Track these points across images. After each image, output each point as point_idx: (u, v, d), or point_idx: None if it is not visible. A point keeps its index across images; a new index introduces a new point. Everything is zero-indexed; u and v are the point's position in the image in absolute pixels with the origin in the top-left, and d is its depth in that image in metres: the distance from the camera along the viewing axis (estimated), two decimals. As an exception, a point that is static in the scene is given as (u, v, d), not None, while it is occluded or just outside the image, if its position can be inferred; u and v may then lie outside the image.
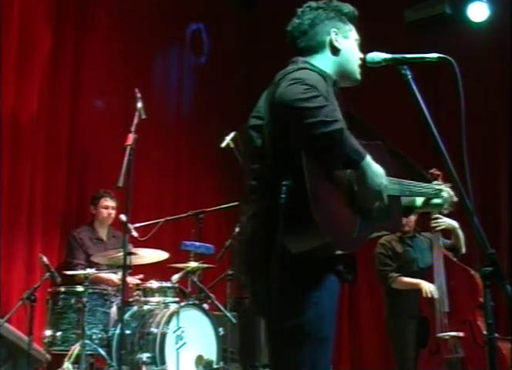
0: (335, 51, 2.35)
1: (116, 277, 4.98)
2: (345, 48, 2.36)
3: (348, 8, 2.41)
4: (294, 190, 2.00)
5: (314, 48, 2.35)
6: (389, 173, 2.23)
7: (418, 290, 4.43)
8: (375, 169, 2.10)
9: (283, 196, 2.00)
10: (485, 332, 3.82)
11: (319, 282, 2.13)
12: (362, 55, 2.36)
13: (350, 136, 2.04)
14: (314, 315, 2.12)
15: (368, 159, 2.07)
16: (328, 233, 2.03)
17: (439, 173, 4.49)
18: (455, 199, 2.54)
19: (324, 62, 2.34)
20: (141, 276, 5.18)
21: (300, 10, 2.40)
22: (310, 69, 2.21)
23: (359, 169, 2.07)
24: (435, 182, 2.50)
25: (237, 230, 4.73)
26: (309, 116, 1.98)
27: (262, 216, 2.13)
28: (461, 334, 4.21)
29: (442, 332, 4.23)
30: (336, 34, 2.35)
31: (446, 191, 2.54)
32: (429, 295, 4.33)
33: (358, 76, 2.39)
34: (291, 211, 2.00)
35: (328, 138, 1.99)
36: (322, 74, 2.24)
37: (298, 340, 2.12)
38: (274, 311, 2.16)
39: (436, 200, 2.53)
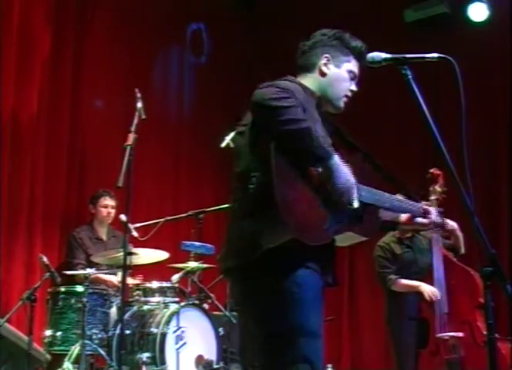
0: (323, 74, 2.48)
1: (115, 278, 4.98)
2: (332, 75, 2.48)
3: (356, 43, 2.51)
4: (263, 182, 2.13)
5: (307, 68, 2.50)
6: (366, 182, 2.35)
7: (418, 292, 4.43)
8: (343, 169, 2.21)
9: (251, 186, 2.15)
10: (485, 332, 3.82)
11: (295, 277, 2.19)
12: (353, 88, 2.50)
13: (318, 137, 2.16)
14: (299, 311, 2.18)
15: (336, 158, 2.19)
16: (289, 224, 2.11)
17: (439, 172, 4.49)
18: (440, 221, 2.61)
19: (311, 81, 2.49)
20: (140, 277, 5.18)
21: (313, 34, 2.55)
22: (291, 81, 2.37)
23: (327, 166, 2.19)
24: (423, 202, 2.57)
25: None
26: (279, 115, 2.13)
27: (242, 214, 2.24)
28: (461, 334, 4.20)
29: (442, 333, 4.22)
30: (328, 60, 2.48)
31: (433, 213, 2.60)
32: (433, 299, 4.31)
33: (339, 104, 2.50)
34: (260, 203, 2.14)
35: (296, 135, 2.14)
36: (305, 88, 2.40)
37: (288, 337, 2.17)
38: (258, 310, 2.25)
39: (421, 220, 2.58)
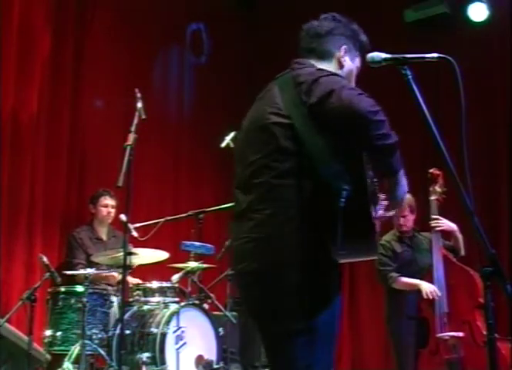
0: (341, 67, 2.40)
1: (116, 273, 4.97)
2: (347, 69, 2.41)
3: (364, 37, 2.46)
4: (355, 198, 2.11)
5: (322, 54, 2.39)
6: None
7: (418, 290, 4.43)
8: (405, 182, 2.22)
9: (343, 200, 2.10)
10: (485, 332, 3.82)
11: (335, 281, 2.21)
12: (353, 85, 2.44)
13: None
14: (331, 316, 2.17)
15: (403, 171, 2.21)
16: (377, 240, 2.18)
17: (438, 172, 4.49)
18: None
19: (331, 70, 2.35)
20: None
21: (323, 16, 2.45)
22: (330, 73, 2.25)
23: (395, 178, 2.19)
24: None
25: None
26: (377, 129, 2.10)
27: (293, 215, 2.14)
28: (460, 334, 4.21)
29: (442, 332, 4.23)
30: (346, 52, 2.40)
31: None
32: (430, 297, 4.31)
33: None
34: (349, 218, 2.10)
35: (388, 150, 2.14)
36: None
37: (313, 340, 2.14)
38: (290, 309, 2.17)
39: None
